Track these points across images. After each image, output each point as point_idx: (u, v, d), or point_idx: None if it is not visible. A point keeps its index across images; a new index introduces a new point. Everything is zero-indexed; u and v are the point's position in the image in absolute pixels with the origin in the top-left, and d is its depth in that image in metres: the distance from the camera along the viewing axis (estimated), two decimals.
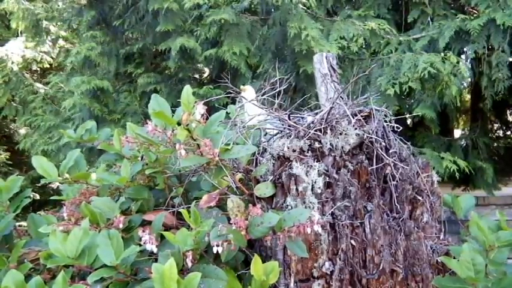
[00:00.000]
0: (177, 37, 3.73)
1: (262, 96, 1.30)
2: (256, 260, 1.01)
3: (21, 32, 5.63)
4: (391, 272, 1.18)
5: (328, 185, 1.17)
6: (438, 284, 1.12)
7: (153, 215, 1.15)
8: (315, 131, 1.23)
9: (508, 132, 5.81)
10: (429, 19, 3.81)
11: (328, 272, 1.11)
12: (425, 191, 1.35)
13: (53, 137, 4.47)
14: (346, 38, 3.43)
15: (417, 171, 1.37)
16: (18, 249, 1.29)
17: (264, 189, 1.14)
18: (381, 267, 1.15)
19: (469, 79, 3.32)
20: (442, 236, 1.36)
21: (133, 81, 4.46)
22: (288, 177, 1.15)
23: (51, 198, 1.60)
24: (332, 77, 1.53)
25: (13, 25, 5.26)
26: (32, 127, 4.95)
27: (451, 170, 3.38)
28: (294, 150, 1.20)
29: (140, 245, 1.06)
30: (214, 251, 0.97)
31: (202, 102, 1.04)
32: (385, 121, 1.34)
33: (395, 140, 1.35)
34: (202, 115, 1.05)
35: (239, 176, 1.19)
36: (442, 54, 3.28)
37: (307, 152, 1.21)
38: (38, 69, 6.43)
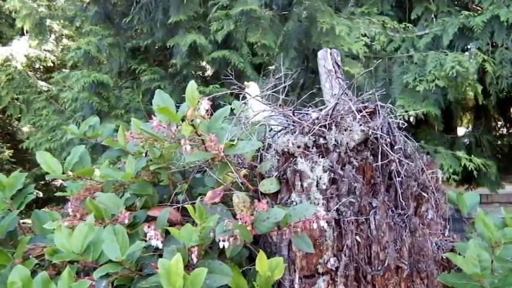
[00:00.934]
0: (186, 33, 3.71)
1: (267, 91, 1.30)
2: (261, 255, 1.01)
3: (26, 32, 5.64)
4: (396, 269, 1.17)
5: (333, 181, 1.17)
6: (444, 280, 1.11)
7: (157, 210, 1.15)
8: (320, 127, 1.22)
9: None
10: (433, 16, 3.80)
11: (333, 268, 1.11)
12: (430, 188, 1.35)
13: (56, 136, 4.48)
14: (368, 35, 3.43)
15: (422, 168, 1.36)
16: (23, 245, 1.29)
17: (268, 185, 1.14)
18: (386, 264, 1.15)
19: (475, 76, 3.31)
20: (447, 233, 1.36)
21: (137, 78, 4.46)
22: (292, 173, 1.14)
23: (56, 194, 1.61)
24: (337, 73, 1.52)
25: (18, 24, 5.27)
26: (35, 126, 4.96)
27: (469, 168, 3.40)
28: (298, 146, 1.19)
29: (145, 240, 1.06)
30: (221, 246, 0.97)
31: (207, 98, 1.04)
32: (391, 117, 1.33)
33: (400, 136, 1.35)
34: (207, 111, 1.04)
35: (244, 172, 1.19)
36: (467, 53, 3.31)
37: (312, 148, 1.20)
38: (42, 67, 6.44)
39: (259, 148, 1.22)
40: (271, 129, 1.27)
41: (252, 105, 1.34)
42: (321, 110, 1.30)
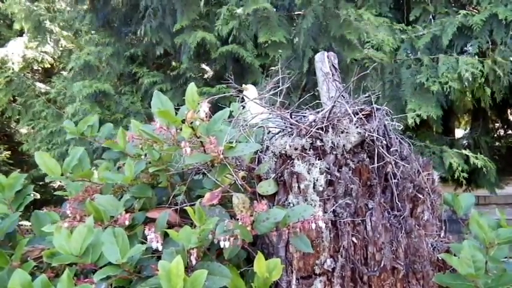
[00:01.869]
0: (193, 31, 3.71)
1: (266, 94, 1.31)
2: (259, 257, 1.02)
3: (23, 33, 5.64)
4: (392, 269, 1.19)
5: (329, 183, 1.18)
6: (439, 280, 1.13)
7: (156, 212, 1.16)
8: (317, 129, 1.24)
9: (509, 132, 5.82)
10: (431, 17, 3.83)
11: (330, 269, 1.12)
12: (426, 189, 1.36)
13: (56, 143, 4.47)
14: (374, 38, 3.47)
15: (418, 170, 1.38)
16: (22, 247, 1.30)
17: (266, 187, 1.15)
18: (382, 265, 1.16)
19: (483, 79, 3.36)
20: (442, 234, 1.37)
21: (136, 82, 4.46)
22: (290, 175, 1.16)
23: (55, 193, 1.61)
24: (334, 76, 1.54)
25: (16, 26, 5.27)
26: (34, 130, 4.96)
27: (479, 166, 3.45)
28: (296, 149, 1.21)
29: (143, 242, 1.07)
30: (222, 246, 0.98)
31: (207, 100, 1.05)
32: (387, 119, 1.35)
33: (396, 138, 1.36)
34: (207, 113, 1.06)
35: (242, 174, 1.20)
36: (477, 57, 3.36)
37: (309, 150, 1.22)
38: (40, 69, 6.44)
39: (257, 150, 1.23)
40: (269, 131, 1.28)
41: (250, 108, 1.36)
42: (318, 112, 1.32)
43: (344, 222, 1.15)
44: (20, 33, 5.90)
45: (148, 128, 1.12)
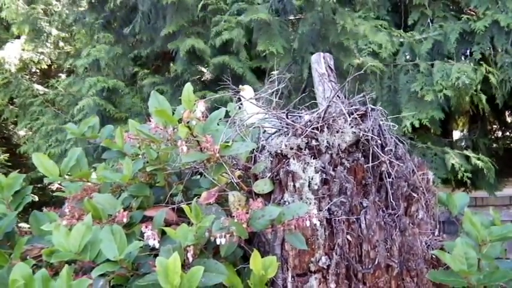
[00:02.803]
0: (185, 38, 3.75)
1: (262, 94, 1.33)
2: (255, 254, 1.04)
3: (19, 36, 5.65)
4: (387, 267, 1.20)
5: (324, 182, 1.20)
6: (432, 277, 1.14)
7: (154, 211, 1.18)
8: (312, 129, 1.26)
9: (507, 133, 5.85)
10: (429, 21, 3.86)
11: (325, 267, 1.13)
12: (421, 189, 1.38)
13: (56, 141, 4.48)
14: (373, 42, 3.51)
15: (413, 169, 1.39)
16: (21, 245, 1.31)
17: (262, 186, 1.17)
18: (376, 262, 1.18)
19: (479, 86, 3.40)
20: (436, 233, 1.39)
21: (137, 83, 4.49)
22: (285, 174, 1.17)
23: (54, 196, 1.62)
24: (329, 77, 1.56)
25: (14, 30, 5.28)
26: (32, 131, 4.96)
27: (479, 166, 3.49)
28: (291, 148, 1.22)
29: (141, 240, 1.09)
30: (218, 242, 0.99)
31: (203, 100, 1.07)
32: (381, 119, 1.37)
33: (391, 138, 1.38)
34: (203, 113, 1.07)
35: (238, 173, 1.22)
36: (472, 64, 3.40)
37: (305, 150, 1.24)
38: (38, 71, 6.45)
39: (253, 149, 1.25)
40: (265, 131, 1.30)
41: (246, 108, 1.38)
42: (314, 112, 1.33)
43: (339, 220, 1.16)
44: (18, 35, 5.91)
45: (146, 128, 1.13)
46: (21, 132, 6.30)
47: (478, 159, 3.62)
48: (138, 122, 1.33)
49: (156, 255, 1.13)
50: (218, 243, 0.99)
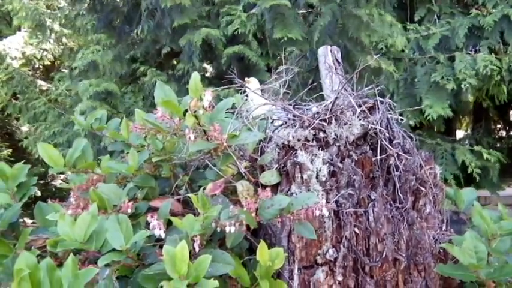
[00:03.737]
0: (195, 31, 3.69)
1: (272, 84, 1.32)
2: (262, 245, 1.03)
3: (20, 29, 5.65)
4: (394, 261, 1.19)
5: (332, 174, 1.19)
6: (441, 271, 1.13)
7: (159, 202, 1.17)
8: (320, 120, 1.24)
9: (511, 133, 5.82)
10: (436, 17, 3.85)
11: (332, 259, 1.12)
12: (429, 183, 1.37)
13: (59, 144, 4.48)
14: (391, 35, 3.50)
15: (420, 164, 1.38)
16: (25, 236, 1.30)
17: (269, 177, 1.16)
18: (383, 255, 1.16)
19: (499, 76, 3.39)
20: (444, 227, 1.37)
21: (138, 81, 4.47)
22: (292, 166, 1.16)
23: (57, 190, 1.62)
24: (337, 70, 1.55)
25: (15, 23, 5.28)
26: (35, 128, 4.97)
27: (491, 161, 3.49)
28: (298, 140, 1.21)
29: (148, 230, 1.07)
30: (227, 231, 0.98)
31: (211, 90, 1.06)
32: (390, 113, 1.35)
33: (399, 131, 1.37)
34: (210, 103, 1.06)
35: (245, 164, 1.20)
36: (493, 54, 3.40)
37: (312, 142, 1.22)
38: (41, 67, 6.45)
39: (260, 141, 1.23)
40: (273, 120, 1.29)
41: (253, 100, 1.36)
42: (321, 104, 1.32)
43: (346, 212, 1.15)
44: (20, 29, 5.91)
45: (152, 117, 1.12)
46: (24, 128, 6.30)
47: (489, 153, 3.62)
48: (141, 111, 1.32)
49: (161, 246, 1.12)
50: (227, 231, 0.98)
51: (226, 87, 1.39)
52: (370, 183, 1.25)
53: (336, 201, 1.15)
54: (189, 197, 1.24)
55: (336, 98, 1.28)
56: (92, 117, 1.52)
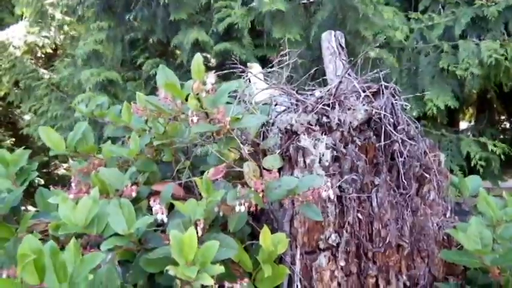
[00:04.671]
0: (189, 29, 3.70)
1: (274, 68, 1.30)
2: (265, 230, 1.02)
3: (23, 17, 5.61)
4: (397, 247, 1.18)
5: (335, 159, 1.17)
6: (445, 257, 1.12)
7: (161, 186, 1.16)
8: (323, 105, 1.23)
9: None
10: (440, 7, 3.79)
11: (335, 244, 1.11)
12: (433, 170, 1.35)
13: (60, 128, 4.47)
14: (391, 26, 3.45)
15: (424, 151, 1.36)
16: (27, 219, 1.30)
17: (272, 162, 1.15)
18: (387, 241, 1.16)
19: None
20: (448, 214, 1.36)
21: (138, 68, 4.45)
22: (295, 150, 1.15)
23: (61, 173, 1.61)
24: (340, 55, 1.52)
25: (18, 11, 5.24)
26: (37, 114, 4.96)
27: (497, 153, 3.44)
28: (301, 124, 1.19)
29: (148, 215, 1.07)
30: (237, 210, 0.97)
31: (214, 72, 1.04)
32: (395, 98, 1.33)
33: (404, 117, 1.35)
34: (213, 85, 1.04)
35: (247, 148, 1.19)
36: (498, 41, 3.35)
37: (315, 127, 1.21)
38: (43, 55, 6.42)
39: (263, 125, 1.22)
40: (276, 103, 1.27)
41: (255, 84, 1.34)
42: (325, 89, 1.30)
43: (350, 198, 1.14)
44: (22, 18, 5.87)
45: (154, 99, 1.10)
46: (27, 117, 6.30)
47: (495, 145, 3.60)
48: (142, 94, 1.30)
49: (163, 231, 1.11)
50: (237, 210, 0.97)
51: (228, 71, 1.37)
52: (374, 169, 1.23)
53: (339, 187, 1.14)
54: (190, 181, 1.23)
55: (340, 82, 1.26)
56: (93, 104, 1.50)
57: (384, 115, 1.25)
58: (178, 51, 3.96)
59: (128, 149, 1.22)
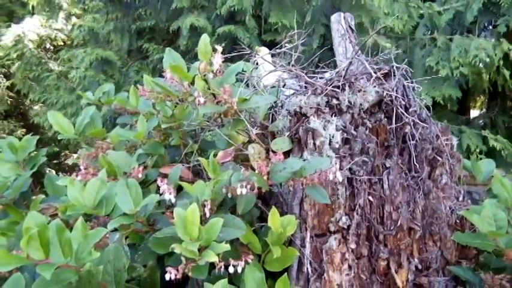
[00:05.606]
0: (188, 15, 3.68)
1: (281, 49, 1.27)
2: (273, 212, 1.01)
3: (33, 8, 5.64)
4: (409, 230, 1.16)
5: (345, 141, 1.15)
6: (458, 239, 1.10)
7: (169, 168, 1.15)
8: (333, 87, 1.20)
9: None
10: None
11: (345, 227, 1.10)
12: (445, 153, 1.32)
13: (68, 115, 4.51)
14: (391, 14, 3.40)
15: (437, 134, 1.33)
16: (37, 203, 1.31)
17: (281, 144, 1.13)
18: (398, 224, 1.14)
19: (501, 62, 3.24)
20: (461, 198, 1.33)
21: (146, 57, 4.45)
22: (305, 132, 1.13)
23: (69, 162, 1.61)
24: (350, 37, 1.49)
25: (30, 2, 5.27)
26: (46, 104, 5.01)
27: (497, 148, 3.48)
28: (311, 107, 1.17)
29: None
30: (238, 192, 0.95)
31: (221, 52, 1.02)
32: (406, 79, 1.30)
33: (416, 99, 1.32)
34: (220, 66, 1.02)
35: (256, 131, 1.17)
36: (493, 40, 3.26)
37: (325, 109, 1.18)
38: (52, 47, 6.46)
39: (271, 108, 1.20)
40: (285, 84, 1.25)
41: (263, 67, 1.32)
42: (334, 71, 1.27)
43: (360, 180, 1.12)
44: (34, 10, 5.91)
45: (161, 81, 1.09)
46: (37, 107, 6.36)
47: (496, 140, 3.52)
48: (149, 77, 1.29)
49: (172, 213, 1.11)
50: (239, 193, 0.95)
51: (235, 54, 1.34)
52: (385, 152, 1.21)
53: (350, 169, 1.12)
54: (199, 165, 1.22)
55: (350, 63, 1.23)
56: (100, 92, 1.50)
57: (396, 97, 1.22)
58: (179, 42, 3.94)
59: (136, 132, 1.21)
